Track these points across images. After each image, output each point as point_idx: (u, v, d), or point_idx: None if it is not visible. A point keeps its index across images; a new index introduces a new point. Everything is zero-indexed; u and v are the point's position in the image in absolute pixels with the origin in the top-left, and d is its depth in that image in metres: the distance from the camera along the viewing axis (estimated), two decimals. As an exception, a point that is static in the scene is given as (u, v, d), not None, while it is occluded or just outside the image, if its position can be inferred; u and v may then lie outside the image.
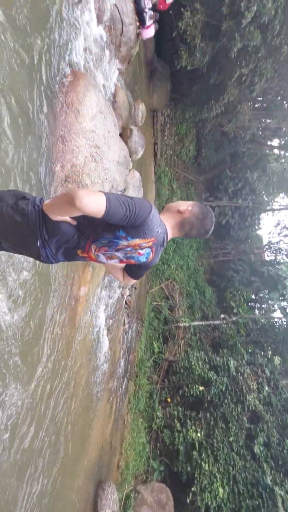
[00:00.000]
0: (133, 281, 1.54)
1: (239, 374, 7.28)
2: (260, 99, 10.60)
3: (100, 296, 4.49)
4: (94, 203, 1.04)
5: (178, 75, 8.60)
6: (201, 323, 9.80)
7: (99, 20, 3.83)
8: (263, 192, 13.84)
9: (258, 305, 16.45)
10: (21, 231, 1.20)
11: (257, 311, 15.88)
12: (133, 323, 7.01)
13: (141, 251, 1.27)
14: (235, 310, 11.36)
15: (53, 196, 2.52)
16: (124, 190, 5.24)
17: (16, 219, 1.18)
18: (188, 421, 6.65)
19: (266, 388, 7.30)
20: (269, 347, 9.79)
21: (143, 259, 1.31)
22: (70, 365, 3.43)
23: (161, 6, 5.78)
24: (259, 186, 13.29)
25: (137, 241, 1.21)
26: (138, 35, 4.98)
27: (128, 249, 1.25)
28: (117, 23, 4.39)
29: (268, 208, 14.92)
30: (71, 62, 3.16)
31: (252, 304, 15.83)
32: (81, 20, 3.37)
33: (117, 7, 4.42)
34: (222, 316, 11.96)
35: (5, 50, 2.11)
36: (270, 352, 9.00)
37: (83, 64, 3.49)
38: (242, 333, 10.96)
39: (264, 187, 13.92)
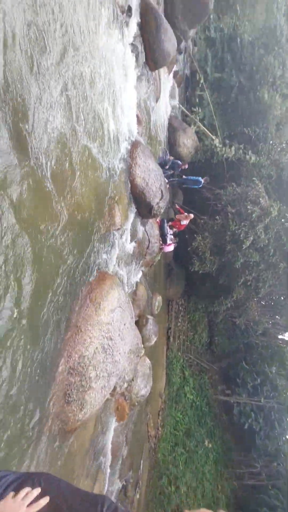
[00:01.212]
0: None
1: None
2: (266, 298, 11.70)
3: None
4: None
5: (192, 275, 10.12)
6: None
7: (132, 239, 4.96)
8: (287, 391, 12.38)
9: None
10: None
11: None
12: None
13: None
14: None
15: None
16: (132, 379, 4.79)
17: None
18: None
19: None
20: None
21: None
22: None
23: (179, 228, 7.65)
24: (281, 382, 12.10)
25: None
26: (160, 249, 6.30)
27: None
28: (145, 241, 5.66)
29: (297, 411, 12.79)
30: (102, 265, 3.79)
31: None
32: (117, 239, 4.36)
33: (146, 232, 5.87)
34: None
35: (58, 266, 2.55)
36: None
37: (113, 267, 4.17)
38: None
39: (287, 383, 12.63)
